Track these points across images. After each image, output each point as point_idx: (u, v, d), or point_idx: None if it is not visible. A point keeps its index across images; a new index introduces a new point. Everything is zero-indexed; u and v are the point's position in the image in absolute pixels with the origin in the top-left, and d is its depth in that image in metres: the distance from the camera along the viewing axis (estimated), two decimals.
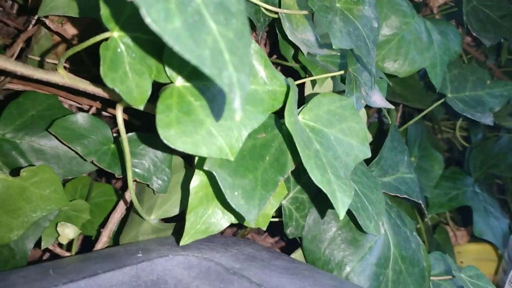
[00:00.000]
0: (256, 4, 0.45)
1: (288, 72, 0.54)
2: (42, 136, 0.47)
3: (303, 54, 0.45)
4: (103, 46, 0.29)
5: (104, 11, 0.28)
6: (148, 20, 0.20)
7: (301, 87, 0.49)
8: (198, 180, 0.38)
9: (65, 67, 0.40)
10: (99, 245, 0.51)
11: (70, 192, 0.56)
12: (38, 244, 0.49)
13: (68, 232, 0.50)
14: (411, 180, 0.56)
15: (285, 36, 0.47)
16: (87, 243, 0.59)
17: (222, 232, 0.59)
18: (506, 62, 0.84)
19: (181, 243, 0.38)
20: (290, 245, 0.54)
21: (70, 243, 0.52)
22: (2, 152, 0.45)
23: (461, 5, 0.71)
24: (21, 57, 0.54)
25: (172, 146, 0.30)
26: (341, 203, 0.33)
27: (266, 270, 0.37)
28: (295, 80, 0.40)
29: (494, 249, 0.78)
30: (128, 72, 0.31)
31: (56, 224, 0.50)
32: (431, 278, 0.55)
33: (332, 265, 0.45)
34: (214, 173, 0.33)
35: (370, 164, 0.53)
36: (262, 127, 0.37)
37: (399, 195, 0.54)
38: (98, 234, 0.52)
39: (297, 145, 0.32)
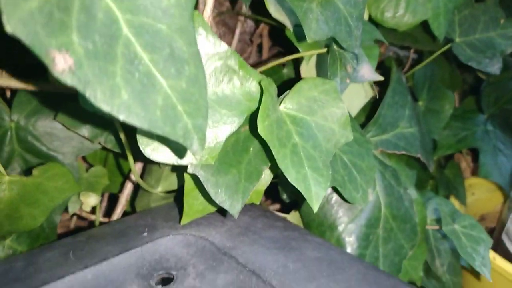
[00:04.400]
0: None
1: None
2: (52, 119, 0.51)
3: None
4: None
5: None
6: (96, 104, 0.21)
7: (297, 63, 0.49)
8: None
9: None
10: (118, 209, 0.57)
11: (91, 158, 0.61)
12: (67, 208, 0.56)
13: (90, 200, 0.55)
14: (411, 135, 0.57)
15: None
16: (112, 198, 0.65)
17: None
18: None
19: (181, 223, 0.43)
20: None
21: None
22: (19, 139, 0.49)
23: None
24: None
25: (151, 159, 0.33)
26: (315, 197, 0.36)
27: (255, 246, 0.41)
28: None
29: None
30: None
31: (79, 193, 0.56)
32: (427, 227, 0.59)
33: (325, 227, 0.49)
34: (197, 175, 0.36)
35: (368, 124, 0.54)
36: (245, 119, 0.39)
37: (396, 152, 0.55)
38: (117, 198, 0.58)
39: (272, 148, 0.34)
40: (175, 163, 0.34)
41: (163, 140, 0.32)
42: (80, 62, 0.21)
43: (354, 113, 0.55)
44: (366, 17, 0.55)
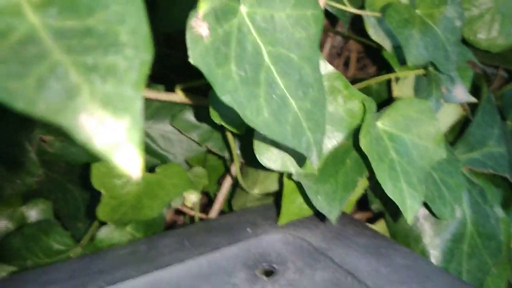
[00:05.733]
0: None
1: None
2: (166, 124, 0.58)
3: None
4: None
5: None
6: (245, 121, 0.27)
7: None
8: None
9: None
10: (216, 206, 0.63)
11: (191, 160, 0.68)
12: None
13: (192, 197, 0.62)
14: (500, 154, 0.58)
15: None
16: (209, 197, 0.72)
17: None
18: None
19: (279, 223, 0.47)
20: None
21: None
22: None
23: None
24: None
25: (266, 166, 0.39)
26: (410, 210, 0.39)
27: (348, 249, 0.45)
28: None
29: None
30: None
31: None
32: None
33: (411, 238, 0.52)
34: (301, 182, 0.41)
35: (456, 142, 0.56)
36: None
37: (484, 171, 0.57)
38: (215, 196, 0.64)
39: (371, 162, 0.38)
40: (284, 171, 0.39)
41: (288, 150, 0.37)
42: (236, 87, 0.26)
43: (443, 130, 0.57)
44: None
